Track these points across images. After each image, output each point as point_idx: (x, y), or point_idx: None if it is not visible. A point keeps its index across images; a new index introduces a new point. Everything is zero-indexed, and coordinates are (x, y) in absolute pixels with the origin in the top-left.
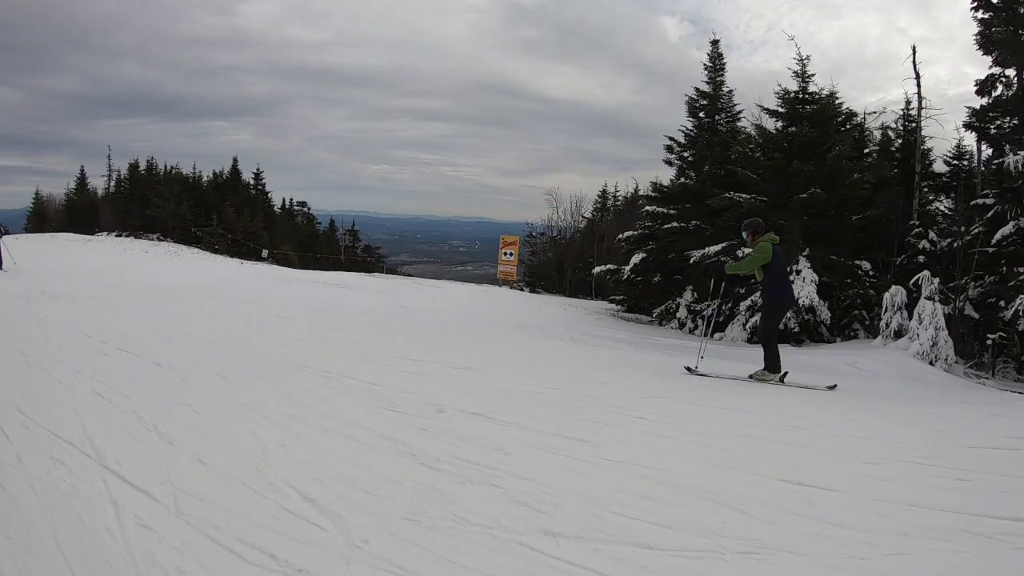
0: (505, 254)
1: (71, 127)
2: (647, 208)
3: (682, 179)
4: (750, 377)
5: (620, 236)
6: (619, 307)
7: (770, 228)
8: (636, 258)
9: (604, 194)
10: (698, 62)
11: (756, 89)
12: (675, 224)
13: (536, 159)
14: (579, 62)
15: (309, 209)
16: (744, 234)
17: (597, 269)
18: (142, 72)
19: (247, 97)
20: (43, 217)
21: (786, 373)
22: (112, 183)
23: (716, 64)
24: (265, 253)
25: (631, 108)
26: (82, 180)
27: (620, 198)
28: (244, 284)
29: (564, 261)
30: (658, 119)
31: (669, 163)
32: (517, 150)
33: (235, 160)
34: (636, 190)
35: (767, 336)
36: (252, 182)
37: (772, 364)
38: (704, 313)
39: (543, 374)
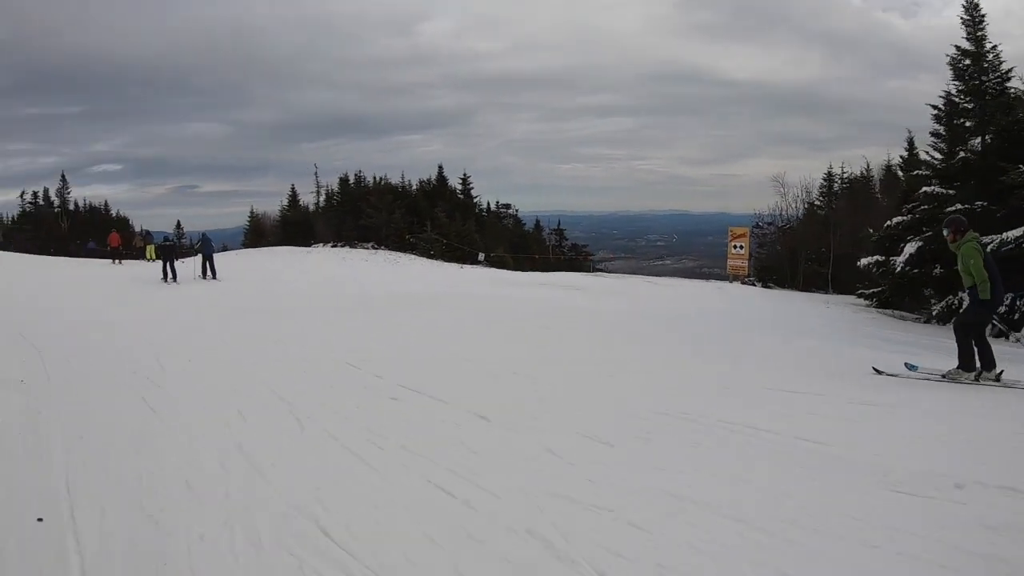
0: (735, 247)
1: (274, 152)
2: (924, 189)
3: (960, 152)
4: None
5: (889, 222)
6: (868, 302)
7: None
8: (911, 247)
9: (830, 176)
10: (887, 25)
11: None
12: (958, 206)
13: (724, 145)
14: (759, 40)
15: (516, 211)
16: (946, 232)
17: (864, 261)
18: (332, 96)
19: (434, 110)
20: (260, 233)
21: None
22: (321, 198)
23: (975, 16)
24: (481, 256)
25: (821, 83)
26: (293, 197)
27: (847, 180)
28: (475, 290)
29: (797, 252)
30: (852, 92)
31: (938, 135)
32: (705, 138)
33: (440, 168)
34: (867, 169)
35: (970, 332)
36: (460, 187)
37: (968, 362)
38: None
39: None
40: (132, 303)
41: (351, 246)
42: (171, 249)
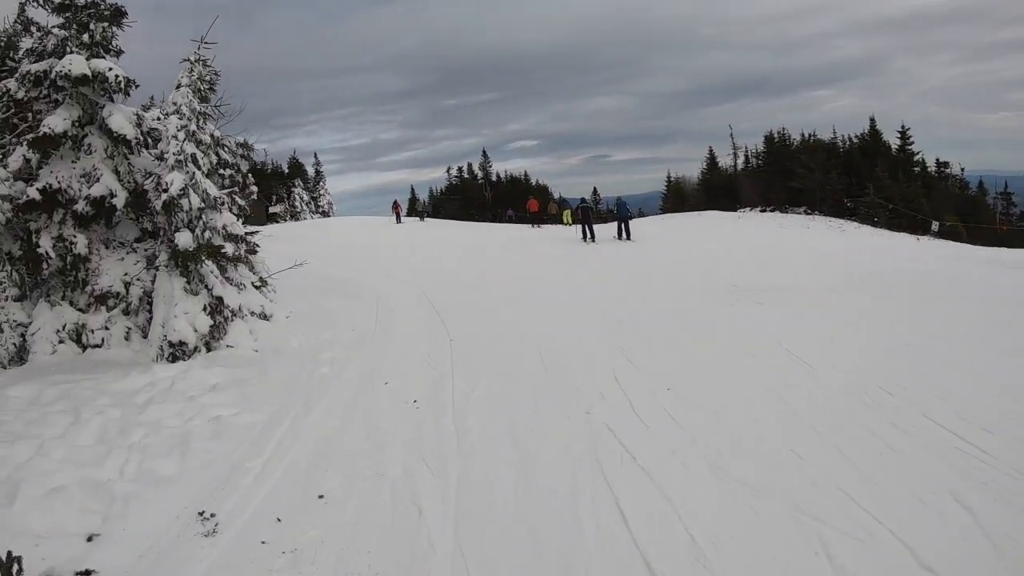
0: None
1: (678, 119)
2: None
3: None
4: None
5: None
6: None
7: None
8: None
9: None
10: None
11: None
12: None
13: None
14: None
15: (963, 170)
16: None
17: None
18: (731, 58)
19: (840, 61)
20: (680, 197)
21: None
22: (739, 160)
23: None
24: (935, 226)
25: None
26: (712, 160)
27: None
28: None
29: None
30: None
31: None
32: None
33: (872, 120)
34: None
35: None
36: (897, 143)
37: None
38: None
39: None
40: (561, 263)
41: (781, 211)
42: (588, 212)
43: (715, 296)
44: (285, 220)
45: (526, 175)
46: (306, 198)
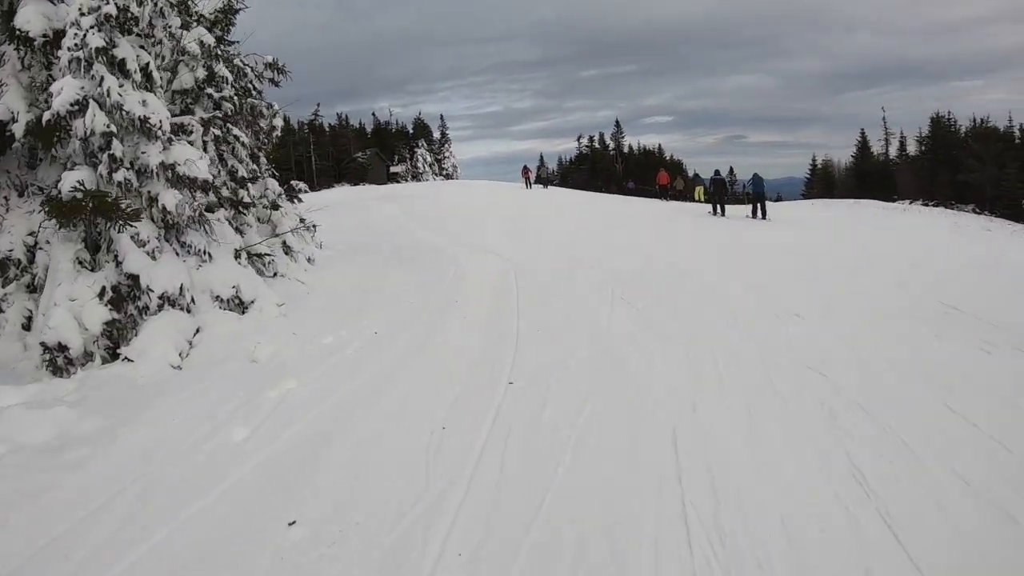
0: None
1: (817, 102)
2: None
3: None
4: None
5: None
6: None
7: None
8: None
9: None
10: None
11: None
12: None
13: None
14: None
15: None
16: None
17: None
18: (877, 40)
19: (991, 50)
20: (828, 183)
21: None
22: (891, 147)
23: None
24: None
25: None
26: (863, 145)
27: None
28: None
29: None
30: None
31: None
32: None
33: None
34: None
35: None
36: None
37: None
38: None
39: None
40: (704, 249)
41: (947, 207)
42: (721, 184)
43: (933, 326)
44: (406, 180)
45: (660, 148)
46: (430, 159)
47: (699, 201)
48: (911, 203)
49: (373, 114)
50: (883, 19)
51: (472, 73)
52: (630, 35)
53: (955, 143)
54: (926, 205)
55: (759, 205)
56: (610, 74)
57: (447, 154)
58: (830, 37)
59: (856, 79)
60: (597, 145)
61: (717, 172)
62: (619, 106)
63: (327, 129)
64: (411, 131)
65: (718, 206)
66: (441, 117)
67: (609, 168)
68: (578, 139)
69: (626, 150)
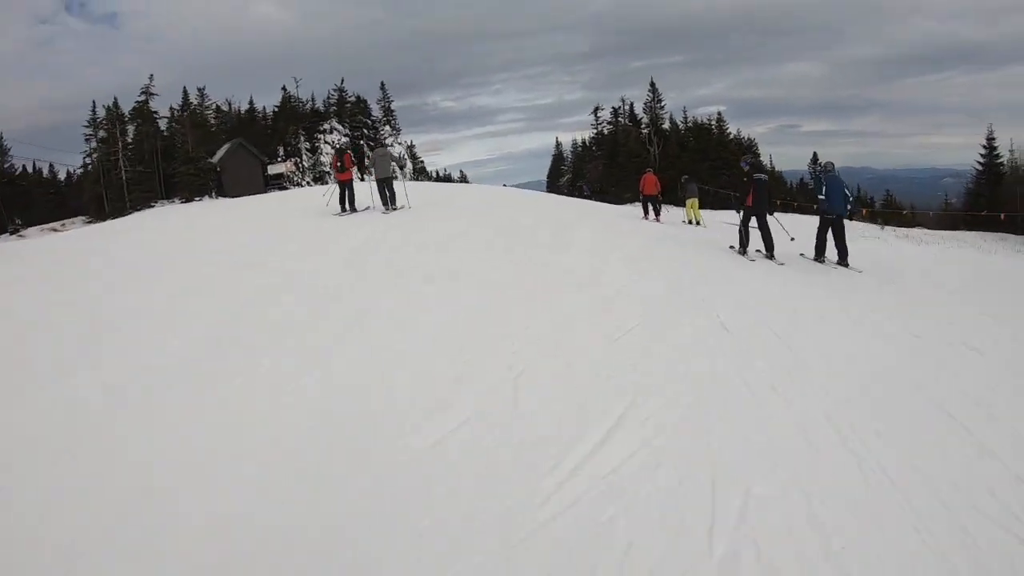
0: None
1: (872, 89)
2: None
3: None
4: None
5: None
6: None
7: None
8: None
9: None
10: None
11: None
12: None
13: None
14: None
15: None
16: None
17: None
18: (937, 24)
19: None
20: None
21: None
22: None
23: None
24: None
25: None
26: (990, 150)
27: None
28: None
29: None
30: None
31: None
32: None
33: None
34: None
35: None
36: None
37: None
38: None
39: None
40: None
41: None
42: (765, 190)
43: None
44: (301, 183)
45: (720, 120)
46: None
47: (690, 222)
48: None
49: (284, 88)
50: (942, 1)
51: (527, 65)
52: (684, 24)
53: None
54: None
55: (836, 235)
56: (662, 64)
57: (390, 142)
58: (884, 22)
59: (912, 64)
60: (624, 120)
61: (754, 163)
62: (670, 96)
63: (174, 113)
64: (326, 108)
65: (767, 242)
66: (382, 85)
67: (637, 152)
68: (595, 111)
69: (666, 125)
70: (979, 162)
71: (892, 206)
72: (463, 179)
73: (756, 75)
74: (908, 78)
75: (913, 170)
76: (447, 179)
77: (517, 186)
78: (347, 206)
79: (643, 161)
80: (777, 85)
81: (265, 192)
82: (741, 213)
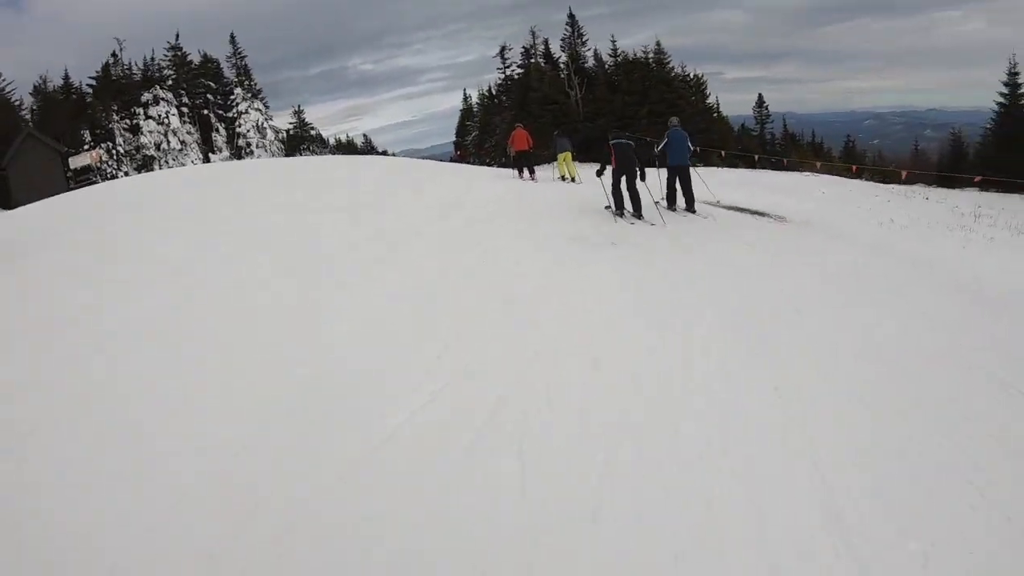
0: None
1: (796, 37)
2: None
3: None
4: None
5: None
6: None
7: None
8: None
9: None
10: None
11: None
12: None
13: None
14: None
15: None
16: None
17: None
18: None
19: None
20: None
21: None
22: None
23: None
24: None
25: None
26: (1014, 87)
27: None
28: None
29: None
30: None
31: None
32: None
33: None
34: None
35: None
36: None
37: None
38: None
39: None
40: None
41: None
42: (630, 152)
43: None
44: (117, 173)
45: (659, 53)
46: (172, 124)
47: (563, 178)
48: None
49: (113, 55)
50: None
51: (447, 22)
52: None
53: None
54: None
55: (675, 182)
56: (585, 16)
57: (245, 107)
58: None
59: (830, 12)
60: (537, 60)
61: (616, 135)
62: (597, 46)
63: None
64: (159, 74)
65: (630, 200)
66: (232, 38)
67: (554, 98)
68: (500, 52)
69: (590, 63)
70: (999, 102)
71: (855, 156)
72: (369, 148)
73: (686, 23)
74: (826, 26)
75: (834, 113)
76: (354, 149)
77: (433, 148)
78: None
79: (561, 108)
80: (705, 32)
81: (68, 191)
82: (611, 178)
